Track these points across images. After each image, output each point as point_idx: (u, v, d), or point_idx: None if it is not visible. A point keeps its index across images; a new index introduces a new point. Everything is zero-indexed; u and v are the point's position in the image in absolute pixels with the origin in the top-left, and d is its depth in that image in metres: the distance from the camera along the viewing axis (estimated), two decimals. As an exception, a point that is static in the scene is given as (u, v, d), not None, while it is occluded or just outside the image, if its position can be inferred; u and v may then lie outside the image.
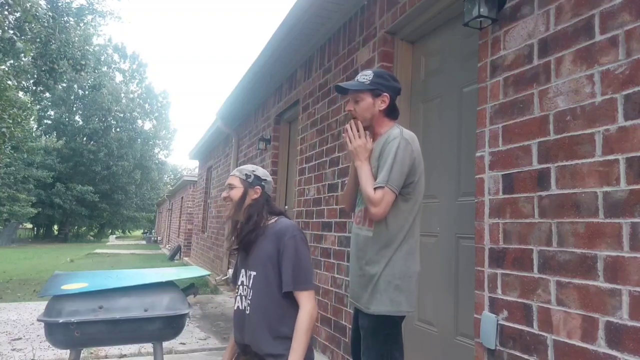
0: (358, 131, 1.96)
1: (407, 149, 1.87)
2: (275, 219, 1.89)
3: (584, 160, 1.69)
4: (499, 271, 2.02)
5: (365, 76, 1.99)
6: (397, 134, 1.90)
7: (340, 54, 3.99)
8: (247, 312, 1.78)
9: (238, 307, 1.84)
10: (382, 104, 1.97)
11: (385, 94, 1.97)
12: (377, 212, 1.82)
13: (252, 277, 1.80)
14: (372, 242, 1.90)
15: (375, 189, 1.84)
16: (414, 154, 1.90)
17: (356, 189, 2.05)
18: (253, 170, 1.91)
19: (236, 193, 1.86)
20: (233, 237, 1.89)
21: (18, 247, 22.82)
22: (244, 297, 1.83)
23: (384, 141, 1.92)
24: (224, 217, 1.84)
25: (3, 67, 10.71)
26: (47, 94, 22.89)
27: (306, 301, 1.70)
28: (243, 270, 1.87)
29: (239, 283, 1.87)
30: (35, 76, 11.86)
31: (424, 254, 2.50)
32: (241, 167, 1.95)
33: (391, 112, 2.02)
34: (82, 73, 14.09)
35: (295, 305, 1.74)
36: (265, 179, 1.92)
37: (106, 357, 3.73)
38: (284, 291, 1.72)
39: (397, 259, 1.87)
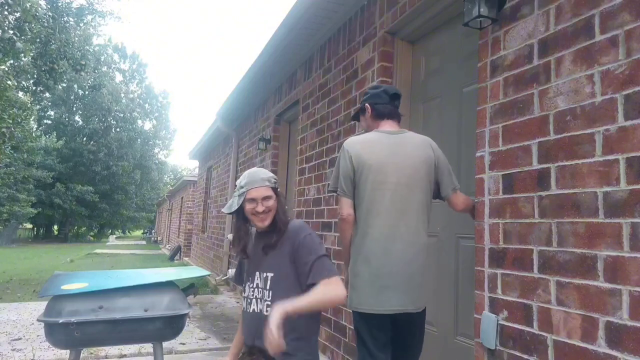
0: None
1: (340, 154, 2.17)
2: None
3: (584, 160, 1.69)
4: (499, 271, 2.02)
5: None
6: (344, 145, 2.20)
7: (340, 54, 3.99)
8: (267, 313, 1.72)
9: (253, 310, 1.80)
10: (367, 113, 2.30)
11: (366, 105, 2.30)
12: (340, 216, 2.14)
13: (269, 278, 1.78)
14: None
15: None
16: (347, 156, 2.12)
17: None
18: (273, 175, 1.90)
19: (275, 203, 1.83)
20: (245, 243, 1.88)
21: (18, 247, 22.81)
22: (259, 299, 1.79)
23: None
24: (263, 228, 1.82)
25: (3, 67, 10.71)
26: (47, 94, 22.89)
27: (335, 285, 1.67)
28: (257, 273, 1.83)
29: (254, 286, 1.84)
30: (35, 76, 11.86)
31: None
32: (260, 174, 1.87)
33: (379, 115, 2.27)
34: (82, 73, 14.13)
35: None
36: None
37: (106, 357, 3.73)
38: (309, 282, 1.69)
39: (352, 259, 2.12)
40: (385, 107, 2.24)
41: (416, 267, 2.02)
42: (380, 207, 2.03)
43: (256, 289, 1.83)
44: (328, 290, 1.64)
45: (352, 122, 3.54)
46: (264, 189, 1.81)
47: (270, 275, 1.78)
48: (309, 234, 1.78)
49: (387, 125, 2.22)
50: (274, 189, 1.84)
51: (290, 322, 1.70)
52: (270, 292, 1.77)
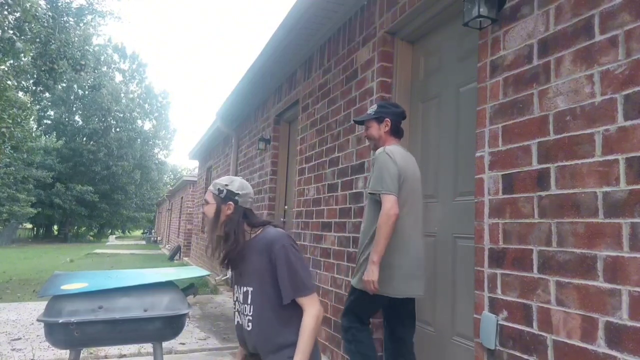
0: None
1: (383, 158, 2.35)
2: (260, 229, 1.81)
3: (583, 160, 1.69)
4: (499, 271, 2.02)
5: (372, 108, 2.62)
6: (381, 150, 2.42)
7: (340, 54, 3.99)
8: (249, 328, 1.75)
9: (238, 322, 1.82)
10: (385, 126, 2.54)
11: (387, 119, 2.53)
12: (390, 213, 2.25)
13: (249, 293, 1.76)
14: (362, 234, 2.47)
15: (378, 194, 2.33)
16: (393, 160, 2.34)
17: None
18: (226, 185, 1.81)
19: (209, 209, 1.80)
20: (218, 254, 1.84)
21: (18, 247, 22.81)
22: (241, 313, 1.79)
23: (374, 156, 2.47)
24: (203, 234, 1.81)
25: (3, 67, 10.71)
26: (47, 94, 22.91)
27: (309, 305, 1.68)
28: (237, 287, 1.82)
29: (235, 299, 1.84)
30: (35, 76, 11.87)
31: (423, 254, 2.51)
32: (217, 180, 1.86)
33: (395, 132, 2.56)
34: (82, 73, 14.13)
35: (297, 313, 1.71)
36: (239, 193, 1.80)
37: (106, 357, 3.73)
38: (284, 303, 1.68)
39: (389, 253, 2.31)
40: (401, 128, 2.58)
41: (425, 260, 2.46)
42: (415, 212, 2.40)
43: (237, 303, 1.83)
44: (310, 322, 1.66)
45: (351, 123, 3.54)
46: (207, 192, 1.84)
47: (250, 289, 1.76)
48: (283, 245, 1.70)
49: (398, 143, 2.55)
50: (216, 196, 1.79)
51: (285, 330, 1.70)
52: (251, 307, 1.75)
